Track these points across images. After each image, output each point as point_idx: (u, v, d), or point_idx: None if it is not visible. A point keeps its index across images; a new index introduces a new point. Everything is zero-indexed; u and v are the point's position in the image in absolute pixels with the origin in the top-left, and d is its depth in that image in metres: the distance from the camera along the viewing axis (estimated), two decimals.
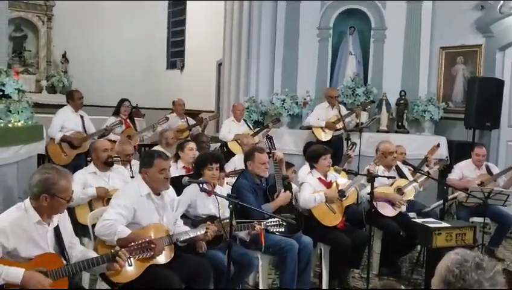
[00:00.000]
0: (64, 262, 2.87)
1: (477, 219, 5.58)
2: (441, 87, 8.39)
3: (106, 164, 4.64)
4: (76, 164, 5.97)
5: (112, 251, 3.02)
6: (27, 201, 2.85)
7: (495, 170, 6.21)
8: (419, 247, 5.31)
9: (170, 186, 3.65)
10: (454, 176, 6.16)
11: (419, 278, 5.02)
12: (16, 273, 2.63)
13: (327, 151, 4.92)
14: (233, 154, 6.80)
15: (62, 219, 3.01)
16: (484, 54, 7.96)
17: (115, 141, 6.11)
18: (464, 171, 6.17)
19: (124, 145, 5.30)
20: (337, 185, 4.79)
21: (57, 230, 2.91)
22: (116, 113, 7.40)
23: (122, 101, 7.46)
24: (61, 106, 7.18)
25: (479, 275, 1.82)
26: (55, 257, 2.84)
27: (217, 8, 10.74)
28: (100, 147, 4.68)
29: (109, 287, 3.34)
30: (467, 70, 8.18)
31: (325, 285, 4.66)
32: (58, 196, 2.82)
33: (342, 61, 8.57)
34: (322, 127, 7.41)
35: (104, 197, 4.42)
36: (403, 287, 2.10)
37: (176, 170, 5.01)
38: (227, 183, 5.02)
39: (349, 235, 4.62)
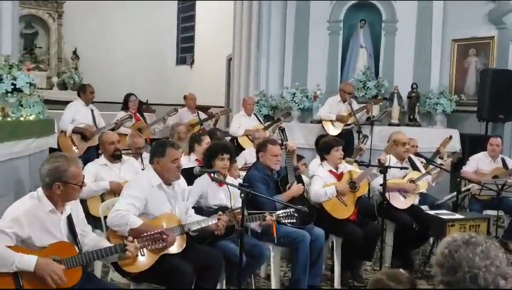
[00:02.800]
0: (77, 251, 2.87)
1: (491, 212, 5.52)
2: (453, 80, 8.32)
3: (114, 157, 4.65)
4: (87, 157, 5.97)
5: (123, 241, 3.02)
6: (39, 190, 2.85)
7: (511, 164, 6.13)
8: (432, 240, 5.26)
9: (181, 177, 3.64)
10: (468, 168, 6.09)
11: (431, 271, 4.97)
12: (28, 261, 2.63)
13: (339, 143, 4.88)
14: (243, 149, 6.79)
15: (75, 207, 3.01)
16: (497, 45, 7.88)
17: (125, 134, 6.12)
18: (479, 163, 6.10)
19: (135, 138, 5.31)
20: (351, 173, 4.75)
21: (69, 219, 2.91)
22: (125, 108, 7.43)
23: (129, 95, 7.49)
24: None
25: (470, 250, 1.79)
26: (69, 245, 2.84)
27: (227, 2, 10.72)
28: (106, 140, 4.68)
29: (122, 277, 3.35)
30: (480, 62, 8.10)
31: (337, 277, 4.64)
32: (71, 182, 2.82)
33: (353, 55, 8.52)
34: (332, 121, 7.36)
35: (117, 191, 4.42)
36: (403, 271, 2.07)
37: (189, 162, 5.00)
38: (239, 176, 5.00)
39: (362, 228, 4.59)
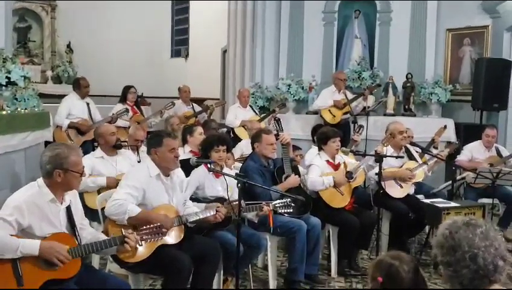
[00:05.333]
0: (77, 242, 2.88)
1: (486, 200, 5.54)
2: (447, 69, 8.34)
3: (115, 147, 4.65)
4: (84, 151, 5.95)
5: (123, 232, 3.04)
6: (40, 179, 2.86)
7: (505, 153, 6.16)
8: (427, 228, 5.30)
9: (179, 167, 3.65)
10: (463, 157, 6.12)
11: (428, 259, 5.02)
12: (32, 245, 2.66)
13: (337, 134, 4.90)
14: (239, 140, 6.80)
15: (73, 199, 3.02)
16: (491, 34, 7.91)
17: (123, 127, 6.11)
18: (474, 152, 6.13)
19: (137, 130, 5.32)
20: (346, 165, 4.77)
21: (68, 210, 2.92)
22: (123, 100, 7.39)
23: (129, 87, 7.43)
24: None
25: (470, 231, 1.83)
26: (68, 236, 2.86)
27: None
28: (107, 131, 4.69)
29: (120, 268, 3.37)
30: (474, 51, 8.13)
31: (333, 266, 4.68)
32: (72, 170, 2.83)
33: (348, 45, 8.51)
34: (330, 110, 7.35)
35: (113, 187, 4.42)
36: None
37: (183, 154, 5.01)
38: (233, 167, 5.02)
39: (358, 217, 4.63)
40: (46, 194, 2.82)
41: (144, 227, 3.12)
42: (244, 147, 6.08)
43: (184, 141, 5.35)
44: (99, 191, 4.40)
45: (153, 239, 3.15)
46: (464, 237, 1.82)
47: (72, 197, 2.99)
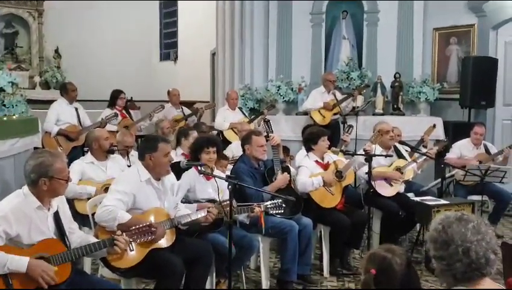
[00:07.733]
0: (66, 247, 2.86)
1: (475, 197, 5.60)
2: (435, 68, 8.43)
3: (109, 152, 4.64)
4: (72, 157, 5.92)
5: (112, 235, 3.02)
6: (25, 187, 2.84)
7: (493, 150, 6.23)
8: (418, 226, 5.34)
9: (171, 173, 3.65)
10: (452, 155, 6.18)
11: (419, 257, 5.06)
12: (20, 263, 2.63)
13: (325, 133, 4.94)
14: (229, 143, 6.79)
15: (61, 204, 3.00)
16: (477, 33, 8.01)
17: (112, 132, 6.10)
18: (462, 150, 6.19)
19: (125, 136, 5.30)
20: (336, 164, 4.79)
21: (56, 215, 2.90)
22: (112, 105, 7.36)
23: (119, 92, 7.39)
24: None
25: (462, 225, 1.87)
26: (57, 242, 2.84)
27: None
28: (102, 136, 4.67)
29: (111, 273, 3.35)
30: (461, 50, 8.22)
31: (326, 266, 4.70)
32: (57, 177, 2.81)
33: (336, 46, 8.54)
34: (320, 111, 7.37)
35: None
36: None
37: (175, 156, 5.01)
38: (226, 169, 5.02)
39: (349, 216, 4.65)
40: (33, 202, 2.80)
41: (134, 227, 3.10)
42: (234, 149, 6.08)
43: (178, 143, 5.35)
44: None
45: (144, 239, 3.13)
46: (457, 232, 1.86)
47: (59, 202, 2.98)
